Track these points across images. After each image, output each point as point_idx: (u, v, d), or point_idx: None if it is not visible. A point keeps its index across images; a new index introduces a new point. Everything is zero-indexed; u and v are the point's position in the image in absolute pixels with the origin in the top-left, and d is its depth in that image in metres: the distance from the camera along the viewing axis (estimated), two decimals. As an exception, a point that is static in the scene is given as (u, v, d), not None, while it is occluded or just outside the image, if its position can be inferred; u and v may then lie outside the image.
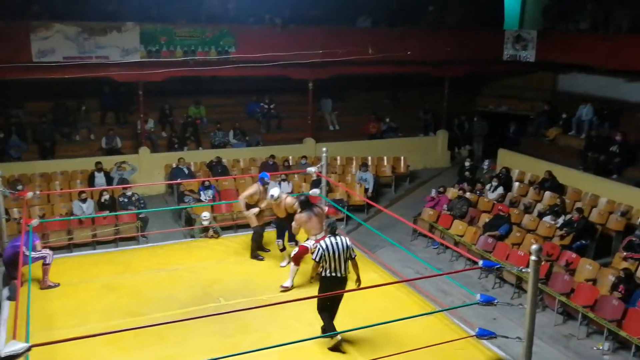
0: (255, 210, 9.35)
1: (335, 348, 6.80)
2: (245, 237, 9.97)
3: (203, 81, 17.56)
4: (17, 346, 4.68)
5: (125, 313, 7.61)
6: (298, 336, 6.81)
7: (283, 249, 9.23)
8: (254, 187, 9.45)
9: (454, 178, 16.57)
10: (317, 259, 6.86)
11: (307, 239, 8.43)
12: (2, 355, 4.60)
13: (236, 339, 7.03)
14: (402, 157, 17.55)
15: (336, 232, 6.98)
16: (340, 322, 7.13)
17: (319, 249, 6.86)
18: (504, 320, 9.48)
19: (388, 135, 19.20)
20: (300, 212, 8.42)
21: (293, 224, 8.65)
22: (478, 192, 14.51)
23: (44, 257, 8.39)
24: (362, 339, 6.85)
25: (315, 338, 6.28)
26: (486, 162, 16.82)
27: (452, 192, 14.36)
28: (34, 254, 8.24)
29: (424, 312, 7.25)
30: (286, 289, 8.26)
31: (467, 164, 16.21)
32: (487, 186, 14.67)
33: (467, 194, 14.04)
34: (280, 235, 9.24)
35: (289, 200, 9.02)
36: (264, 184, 9.47)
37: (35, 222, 8.82)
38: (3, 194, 9.14)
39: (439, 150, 19.60)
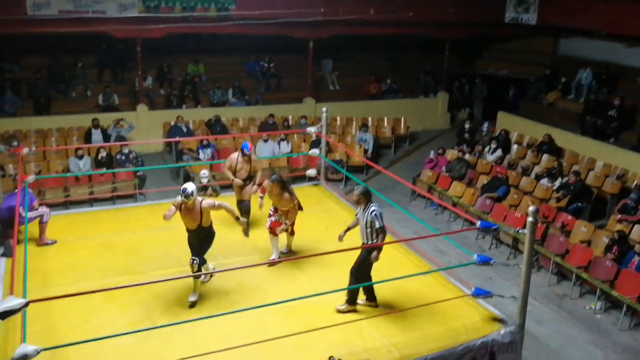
0: (238, 181, 8.88)
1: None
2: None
3: (202, 38, 17.33)
4: (15, 302, 4.71)
5: (122, 270, 7.61)
6: (295, 294, 6.86)
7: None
8: (232, 157, 8.97)
9: (454, 140, 16.55)
10: (383, 225, 6.64)
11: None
12: (0, 311, 4.62)
13: (235, 297, 7.06)
14: (402, 119, 17.48)
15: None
16: (339, 280, 7.19)
17: (379, 215, 6.62)
18: (500, 280, 9.59)
19: (388, 96, 19.08)
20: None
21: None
22: (477, 154, 14.50)
23: (40, 216, 8.35)
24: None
25: (312, 296, 6.30)
26: (485, 125, 16.78)
27: (451, 154, 14.35)
28: (30, 214, 8.20)
29: (421, 271, 7.29)
30: (274, 262, 7.88)
31: (466, 126, 16.18)
32: (486, 148, 14.65)
33: (466, 156, 14.04)
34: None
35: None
36: (244, 155, 8.85)
37: (31, 178, 8.76)
38: (-2, 150, 9.08)
39: (439, 112, 19.52)
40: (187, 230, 7.10)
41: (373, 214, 6.57)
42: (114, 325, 6.18)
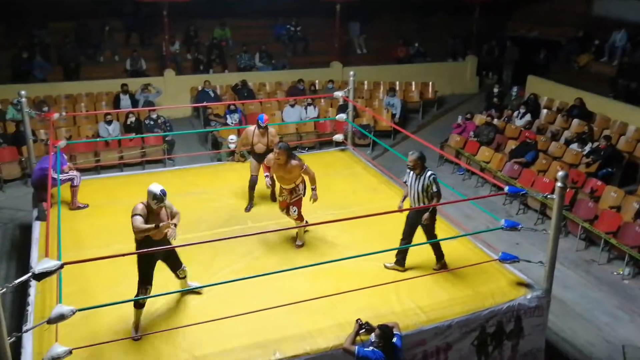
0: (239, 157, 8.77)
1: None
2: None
3: (229, 2, 17.19)
4: (50, 264, 4.82)
5: (155, 232, 7.76)
6: (322, 258, 6.95)
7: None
8: (248, 131, 8.62)
9: (482, 104, 16.33)
10: (440, 189, 6.68)
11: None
12: (36, 272, 4.75)
13: (262, 260, 7.19)
14: (430, 83, 17.28)
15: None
16: (365, 244, 7.25)
17: (437, 180, 6.66)
18: (527, 245, 9.55)
19: (416, 60, 18.84)
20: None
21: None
22: (506, 118, 14.31)
23: (72, 179, 8.51)
24: (388, 261, 6.96)
25: (341, 259, 6.39)
26: (514, 89, 16.46)
27: (479, 119, 14.19)
28: (62, 176, 8.38)
29: (448, 236, 7.29)
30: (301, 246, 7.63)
31: (495, 90, 15.92)
32: (515, 113, 14.44)
33: (495, 121, 13.86)
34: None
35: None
36: (260, 127, 8.45)
37: (62, 143, 8.92)
38: (29, 115, 9.22)
39: (468, 76, 19.23)
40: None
41: (431, 177, 6.61)
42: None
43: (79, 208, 8.52)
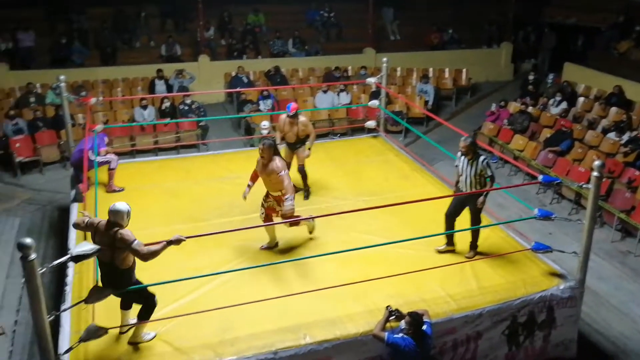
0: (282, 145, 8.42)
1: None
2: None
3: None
4: (87, 247, 4.97)
5: (186, 218, 7.88)
6: (353, 245, 6.98)
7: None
8: (281, 118, 8.51)
9: (517, 92, 16.06)
10: (494, 174, 6.77)
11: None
12: (74, 255, 4.90)
13: (294, 245, 7.24)
14: (464, 70, 17.07)
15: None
16: (396, 231, 7.26)
17: (490, 164, 6.76)
18: (560, 235, 9.41)
19: (450, 47, 18.60)
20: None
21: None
22: (541, 106, 14.05)
23: (109, 162, 8.70)
24: (418, 250, 6.95)
25: (372, 246, 6.40)
26: (551, 76, 16.14)
27: (513, 106, 13.97)
28: (99, 159, 8.57)
29: (481, 225, 7.23)
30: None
31: (530, 77, 15.62)
32: (551, 101, 14.16)
33: (530, 109, 13.64)
34: None
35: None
36: (289, 116, 8.30)
37: (99, 127, 9.13)
38: (68, 100, 9.43)
39: (502, 63, 18.91)
40: None
41: (485, 162, 6.68)
42: (179, 270, 6.46)
43: (114, 191, 8.69)
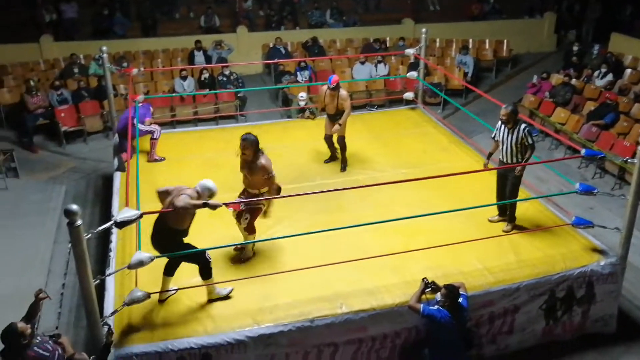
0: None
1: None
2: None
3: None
4: (130, 213, 5.10)
5: (226, 188, 7.90)
6: (392, 216, 6.99)
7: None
8: (321, 90, 8.53)
9: (559, 63, 15.62)
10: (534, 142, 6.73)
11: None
12: (117, 221, 5.04)
13: (333, 215, 7.28)
14: (504, 41, 16.64)
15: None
16: (434, 203, 7.24)
17: (531, 132, 6.70)
18: (602, 210, 9.23)
19: (491, 17, 18.16)
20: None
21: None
22: (585, 78, 13.65)
23: (152, 132, 8.87)
24: (456, 223, 6.92)
25: (410, 218, 6.40)
26: (596, 47, 15.62)
27: (556, 78, 13.61)
28: (142, 127, 8.74)
29: (520, 198, 7.15)
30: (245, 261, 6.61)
31: (574, 48, 15.14)
32: (595, 72, 13.73)
33: (573, 81, 13.25)
34: None
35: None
36: (329, 89, 8.23)
37: (140, 98, 9.27)
38: (110, 71, 9.59)
39: (545, 34, 18.38)
40: None
41: (526, 130, 6.60)
42: (219, 238, 6.59)
43: (155, 160, 8.88)
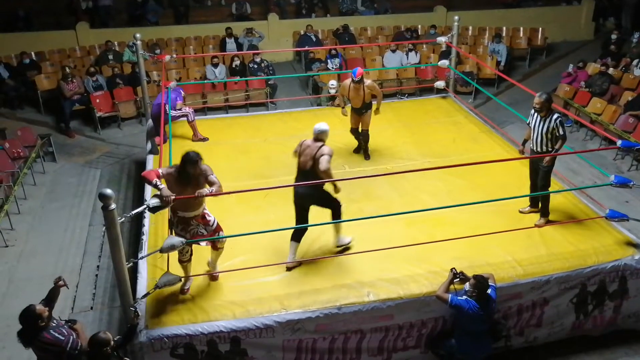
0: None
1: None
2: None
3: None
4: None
5: (255, 175, 8.07)
6: (420, 206, 6.98)
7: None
8: (345, 84, 8.36)
9: (596, 52, 15.25)
10: (565, 133, 6.57)
11: None
12: (150, 205, 5.12)
13: (360, 204, 7.31)
14: (540, 29, 16.33)
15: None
16: (463, 193, 7.20)
17: (564, 122, 6.57)
18: (638, 203, 9.05)
19: (526, 4, 17.82)
20: None
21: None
22: (623, 68, 13.32)
23: (186, 115, 9.05)
24: (485, 213, 6.88)
25: (438, 208, 6.39)
26: (636, 35, 15.20)
27: (592, 68, 13.32)
28: (174, 113, 8.90)
29: (552, 190, 7.05)
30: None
31: (613, 36, 14.77)
32: (635, 62, 13.38)
33: (610, 70, 12.95)
34: None
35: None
36: (354, 82, 8.05)
37: (172, 84, 9.42)
38: (143, 57, 9.73)
39: (582, 22, 17.95)
40: None
41: (558, 120, 6.48)
42: (248, 223, 6.67)
43: (200, 140, 9.12)
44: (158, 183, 5.21)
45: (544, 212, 6.86)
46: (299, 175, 6.24)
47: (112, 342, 4.87)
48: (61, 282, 5.39)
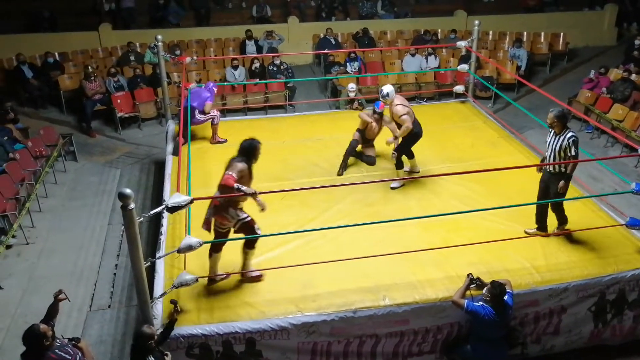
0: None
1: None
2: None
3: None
4: (181, 198, 5.20)
5: (273, 177, 8.09)
6: (436, 210, 6.96)
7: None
8: (364, 116, 8.45)
9: (619, 58, 15.06)
10: (578, 154, 6.20)
11: None
12: (169, 205, 5.16)
13: (377, 207, 7.31)
14: (561, 34, 16.16)
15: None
16: (479, 199, 7.16)
17: (577, 142, 6.15)
18: (659, 212, 8.93)
19: (548, 9, 17.67)
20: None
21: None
22: (646, 74, 13.15)
23: (212, 118, 9.16)
24: (503, 218, 6.84)
25: (455, 213, 6.36)
26: (660, 41, 15.01)
27: (614, 73, 13.16)
28: (201, 118, 9.08)
29: (571, 197, 6.99)
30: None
31: (637, 42, 14.56)
32: (658, 68, 13.21)
33: (633, 76, 12.79)
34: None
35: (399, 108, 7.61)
36: (375, 113, 8.28)
37: (193, 86, 9.54)
38: (164, 59, 9.84)
39: (605, 27, 17.74)
40: None
41: (571, 139, 6.14)
42: (266, 225, 6.69)
43: (218, 142, 9.23)
44: (240, 187, 5.48)
45: (561, 220, 6.69)
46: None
47: (155, 337, 4.96)
48: (62, 296, 5.19)
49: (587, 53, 16.92)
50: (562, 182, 6.25)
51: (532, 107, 11.51)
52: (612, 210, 7.18)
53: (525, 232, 6.74)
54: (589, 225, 6.77)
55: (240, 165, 5.64)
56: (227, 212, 5.70)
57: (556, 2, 17.78)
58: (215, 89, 9.50)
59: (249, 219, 5.82)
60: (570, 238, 6.62)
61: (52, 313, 5.10)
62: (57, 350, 4.75)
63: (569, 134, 6.19)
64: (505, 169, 6.35)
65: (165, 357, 5.12)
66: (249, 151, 5.81)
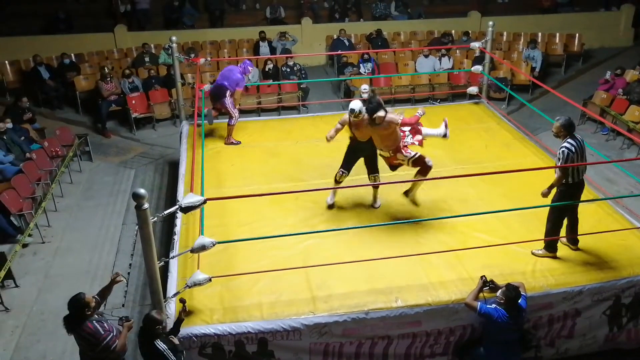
0: None
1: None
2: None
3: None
4: (195, 199, 5.22)
5: (286, 177, 8.14)
6: (450, 212, 6.93)
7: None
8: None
9: (635, 59, 14.93)
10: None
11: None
12: (182, 206, 5.19)
13: (390, 210, 7.30)
14: (576, 35, 16.04)
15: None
16: (493, 201, 7.12)
17: (565, 154, 5.85)
18: (675, 215, 8.83)
19: (563, 10, 17.53)
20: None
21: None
22: (663, 76, 13.01)
23: (231, 117, 9.25)
24: (517, 221, 6.80)
25: (468, 215, 6.35)
26: (678, 42, 14.87)
27: (631, 75, 13.04)
28: (229, 101, 9.16)
29: (586, 199, 6.92)
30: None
31: (654, 43, 14.47)
32: (676, 69, 13.07)
33: (650, 78, 12.67)
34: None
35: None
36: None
37: (206, 87, 9.59)
38: (179, 60, 9.90)
39: (622, 28, 17.57)
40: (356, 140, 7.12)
41: (562, 149, 5.88)
42: (278, 226, 6.72)
43: (232, 143, 9.27)
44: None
45: (547, 234, 6.29)
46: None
47: (163, 323, 5.05)
48: (119, 278, 5.44)
49: (602, 54, 16.77)
50: (544, 190, 6.10)
51: (547, 108, 11.43)
52: (627, 212, 7.11)
53: (533, 253, 6.41)
54: (605, 228, 6.71)
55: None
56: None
57: (571, 2, 17.63)
58: (251, 69, 9.45)
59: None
60: (584, 240, 6.56)
61: (104, 292, 5.44)
62: (94, 322, 5.01)
63: (564, 143, 5.93)
64: (520, 171, 6.31)
65: (172, 340, 5.17)
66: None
